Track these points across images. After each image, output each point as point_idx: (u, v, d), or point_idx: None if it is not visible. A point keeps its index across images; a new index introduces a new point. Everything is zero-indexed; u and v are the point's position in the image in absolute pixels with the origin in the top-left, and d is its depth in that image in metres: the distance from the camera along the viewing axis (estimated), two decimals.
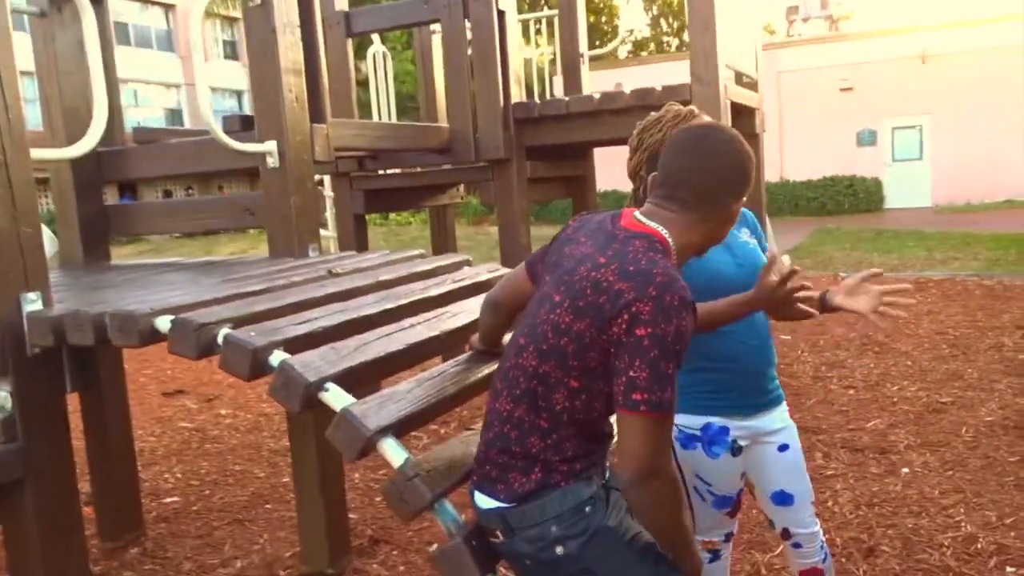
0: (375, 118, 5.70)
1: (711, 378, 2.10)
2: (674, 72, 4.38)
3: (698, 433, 2.12)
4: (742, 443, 2.15)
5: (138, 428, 5.20)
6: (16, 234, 2.11)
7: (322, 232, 6.16)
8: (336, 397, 1.76)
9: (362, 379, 1.92)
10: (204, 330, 1.84)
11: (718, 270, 2.08)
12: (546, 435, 1.54)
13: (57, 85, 3.43)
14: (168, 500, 4.18)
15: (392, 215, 20.86)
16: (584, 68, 5.72)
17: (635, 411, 1.43)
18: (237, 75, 29.18)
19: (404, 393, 1.84)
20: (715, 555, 2.27)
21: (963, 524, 3.30)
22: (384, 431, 1.70)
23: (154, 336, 1.93)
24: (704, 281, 1.98)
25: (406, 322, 2.13)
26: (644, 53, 27.94)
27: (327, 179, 5.34)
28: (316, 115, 3.23)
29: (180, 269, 3.16)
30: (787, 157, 20.61)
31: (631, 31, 27.53)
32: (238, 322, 1.92)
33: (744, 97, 4.87)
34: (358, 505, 3.95)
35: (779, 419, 2.19)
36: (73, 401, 5.66)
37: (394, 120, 5.85)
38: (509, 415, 1.55)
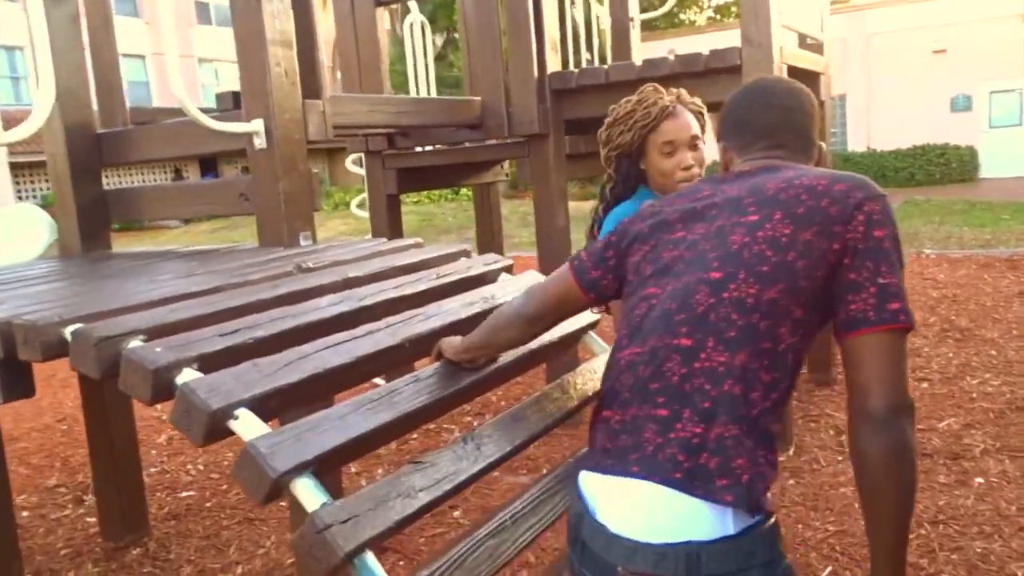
0: (412, 93, 5.40)
1: None
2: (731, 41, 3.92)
3: None
4: None
5: (167, 414, 5.11)
6: None
7: (358, 212, 5.94)
8: (247, 426, 1.48)
9: (295, 400, 1.64)
10: (105, 344, 1.58)
11: None
12: (767, 392, 1.23)
13: (51, 63, 3.23)
14: (184, 495, 4.04)
15: (434, 193, 20.35)
16: (634, 34, 5.29)
17: (895, 324, 1.19)
18: None
19: (335, 419, 1.55)
20: None
21: None
22: (298, 469, 1.42)
23: (63, 349, 1.68)
24: None
25: (362, 328, 1.84)
26: (728, 19, 26.82)
27: (362, 157, 5.08)
28: (311, 90, 2.94)
29: (168, 259, 2.94)
30: (874, 125, 19.50)
31: None
32: (154, 332, 1.66)
33: (805, 60, 4.38)
34: None
35: None
36: (75, 396, 5.56)
37: (433, 95, 5.54)
38: (728, 367, 1.22)
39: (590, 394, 2.13)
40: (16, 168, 22.32)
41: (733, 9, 28.12)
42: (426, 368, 1.81)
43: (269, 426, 1.51)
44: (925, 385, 4.78)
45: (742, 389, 1.21)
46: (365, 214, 5.44)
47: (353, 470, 4.10)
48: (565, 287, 1.53)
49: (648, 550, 1.19)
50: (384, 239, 2.90)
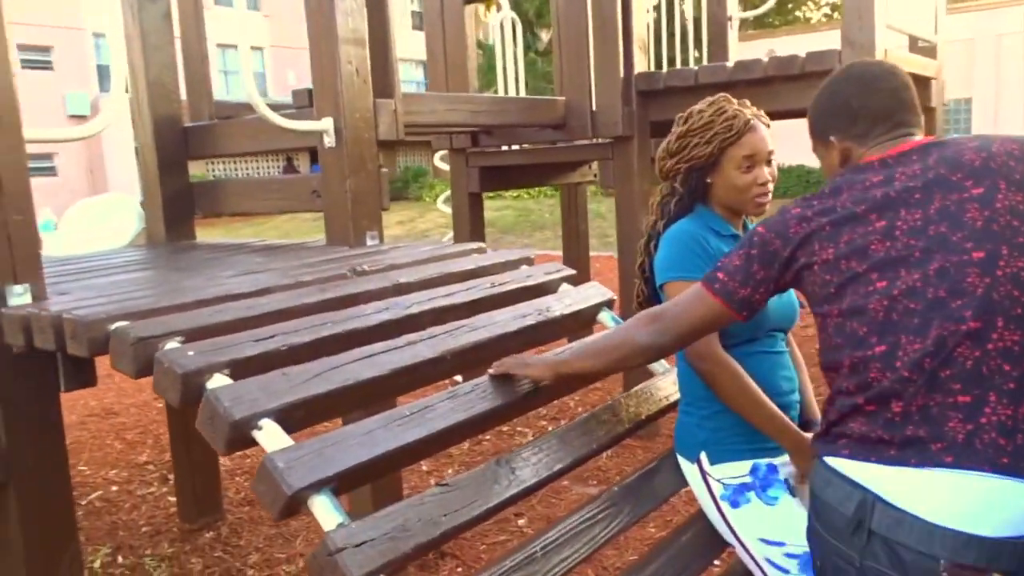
0: (501, 92, 5.36)
1: None
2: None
3: (748, 480, 1.78)
4: (792, 481, 1.82)
5: None
6: (3, 222, 1.95)
7: (443, 208, 5.94)
8: (271, 438, 1.45)
9: (323, 412, 1.61)
10: (142, 344, 1.59)
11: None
12: None
13: (143, 58, 3.33)
14: None
15: (533, 189, 20.27)
16: (732, 33, 5.09)
17: None
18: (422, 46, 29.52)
19: (361, 435, 1.50)
20: None
21: None
22: (316, 486, 1.38)
23: (108, 346, 1.70)
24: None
25: (402, 339, 1.79)
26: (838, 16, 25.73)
27: (443, 154, 5.08)
28: (383, 89, 2.93)
29: (241, 252, 2.98)
30: (1003, 130, 18.33)
31: None
32: (192, 334, 1.66)
33: (914, 65, 4.10)
34: None
35: None
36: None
37: (522, 95, 5.48)
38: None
39: (643, 418, 2.02)
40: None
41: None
42: (466, 383, 1.75)
43: (294, 438, 1.48)
44: None
45: None
46: (450, 209, 5.43)
47: (424, 468, 4.09)
48: (711, 313, 1.50)
49: (984, 543, 1.17)
50: (450, 242, 2.85)
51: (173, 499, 3.85)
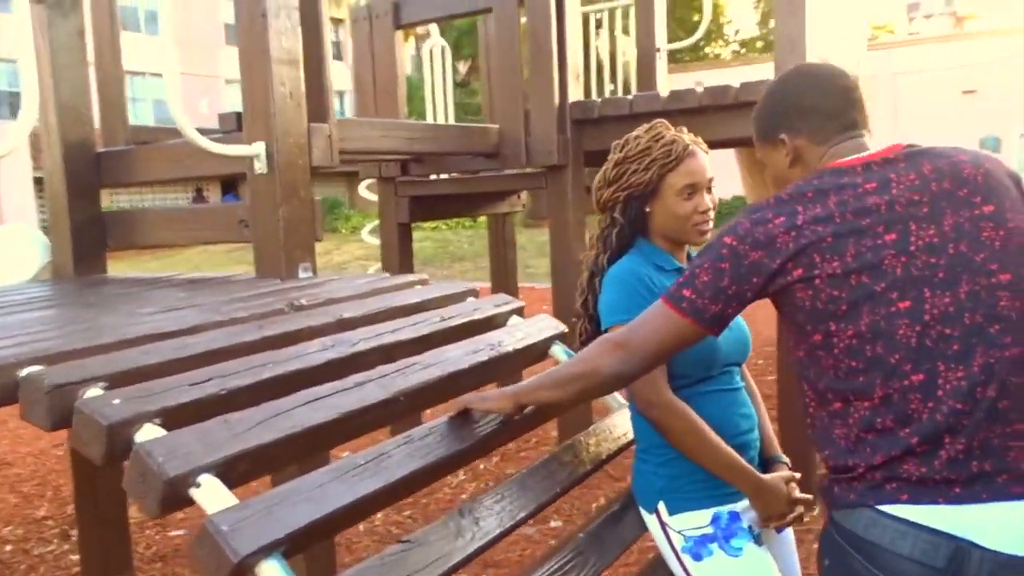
0: (430, 119, 5.26)
1: None
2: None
3: (709, 530, 1.68)
4: (756, 528, 1.73)
5: None
6: None
7: (369, 239, 5.78)
8: (211, 496, 1.28)
9: (269, 463, 1.45)
10: (60, 393, 1.40)
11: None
12: None
13: (52, 78, 3.10)
14: (174, 533, 3.84)
15: (451, 220, 20.24)
16: (661, 64, 5.13)
17: None
18: (342, 76, 29.25)
19: (312, 488, 1.35)
20: None
21: None
22: (265, 551, 1.22)
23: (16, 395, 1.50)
24: (697, 348, 1.59)
25: (351, 380, 1.65)
26: (753, 53, 26.67)
27: (369, 183, 4.94)
28: (317, 113, 2.78)
29: (159, 287, 2.78)
30: None
31: (729, 20, 26.17)
32: (116, 379, 1.48)
33: None
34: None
35: None
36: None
37: (451, 122, 5.39)
38: None
39: (604, 457, 1.93)
40: (42, 183, 22.43)
41: (759, 44, 28.09)
42: (421, 427, 1.62)
43: (236, 494, 1.32)
44: None
45: None
46: (377, 240, 5.28)
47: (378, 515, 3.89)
48: (680, 333, 1.40)
49: None
50: (387, 274, 2.72)
51: (76, 557, 3.56)
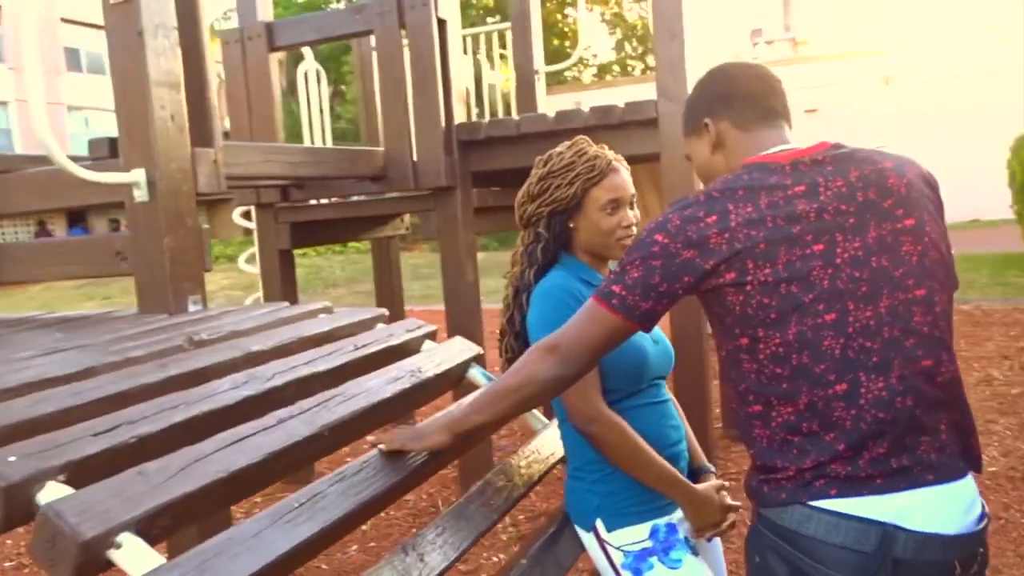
0: (306, 143, 5.11)
1: None
2: (640, 95, 3.87)
3: (649, 544, 1.68)
4: (691, 539, 1.74)
5: None
6: None
7: (246, 267, 5.53)
8: (133, 557, 1.15)
9: (192, 515, 1.32)
10: None
11: (642, 347, 1.75)
12: None
13: None
14: None
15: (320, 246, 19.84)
16: (540, 87, 5.19)
17: None
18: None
19: (248, 538, 1.24)
20: None
21: None
22: None
23: None
24: (627, 362, 1.68)
25: (271, 417, 1.54)
26: (608, 77, 27.63)
27: (251, 210, 4.73)
28: (201, 137, 2.63)
29: (27, 328, 2.53)
30: None
31: (588, 46, 27.08)
32: (8, 433, 1.32)
33: None
34: None
35: None
36: None
37: (328, 145, 5.26)
38: (958, 372, 1.38)
39: (536, 478, 1.88)
40: None
41: (615, 68, 29.11)
42: (353, 463, 1.52)
43: (159, 551, 1.19)
44: None
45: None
46: (254, 269, 5.05)
47: None
48: (612, 330, 1.38)
49: (974, 536, 1.32)
50: (286, 303, 2.59)
51: None
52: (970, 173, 18.73)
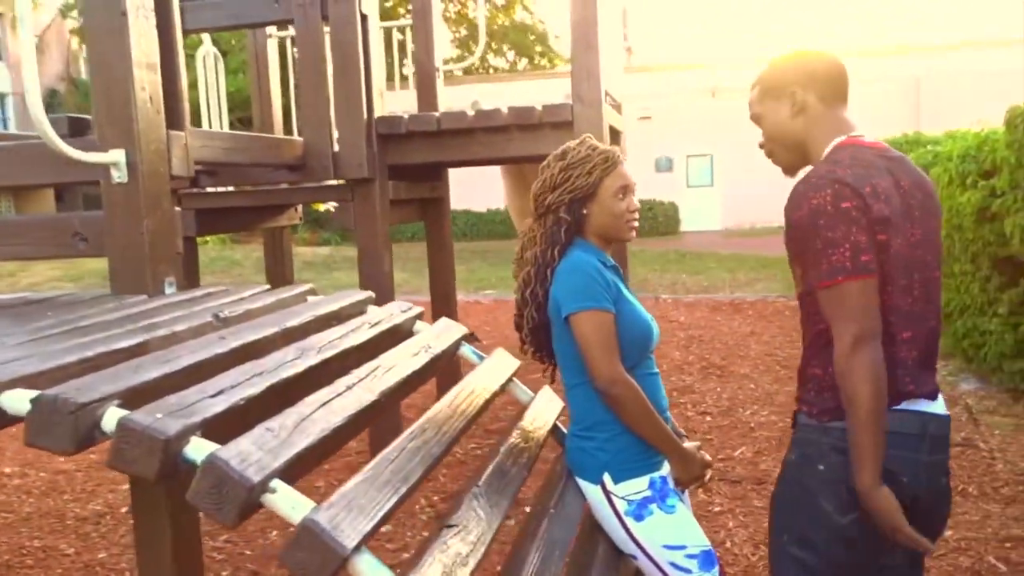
0: (205, 127, 5.02)
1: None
2: (521, 92, 4.16)
3: (648, 493, 1.97)
4: (678, 489, 2.07)
5: None
6: None
7: None
8: (288, 501, 1.29)
9: (308, 466, 1.47)
10: (84, 412, 1.31)
11: (649, 323, 2.09)
12: None
13: None
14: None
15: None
16: (439, 83, 5.38)
17: None
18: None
19: (370, 483, 1.41)
20: None
21: None
22: (360, 545, 1.27)
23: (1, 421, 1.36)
24: (639, 335, 2.02)
25: (341, 384, 1.68)
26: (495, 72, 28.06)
27: None
28: (173, 120, 2.66)
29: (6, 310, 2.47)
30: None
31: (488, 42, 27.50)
32: (126, 397, 1.40)
33: (615, 119, 4.73)
34: None
35: None
36: None
37: (227, 130, 5.19)
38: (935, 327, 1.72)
39: (543, 439, 2.12)
40: None
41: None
42: (419, 422, 1.70)
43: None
44: (709, 418, 5.27)
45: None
46: None
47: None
48: (874, 290, 1.57)
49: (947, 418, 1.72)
50: (267, 285, 2.66)
51: None
52: (785, 181, 20.54)
